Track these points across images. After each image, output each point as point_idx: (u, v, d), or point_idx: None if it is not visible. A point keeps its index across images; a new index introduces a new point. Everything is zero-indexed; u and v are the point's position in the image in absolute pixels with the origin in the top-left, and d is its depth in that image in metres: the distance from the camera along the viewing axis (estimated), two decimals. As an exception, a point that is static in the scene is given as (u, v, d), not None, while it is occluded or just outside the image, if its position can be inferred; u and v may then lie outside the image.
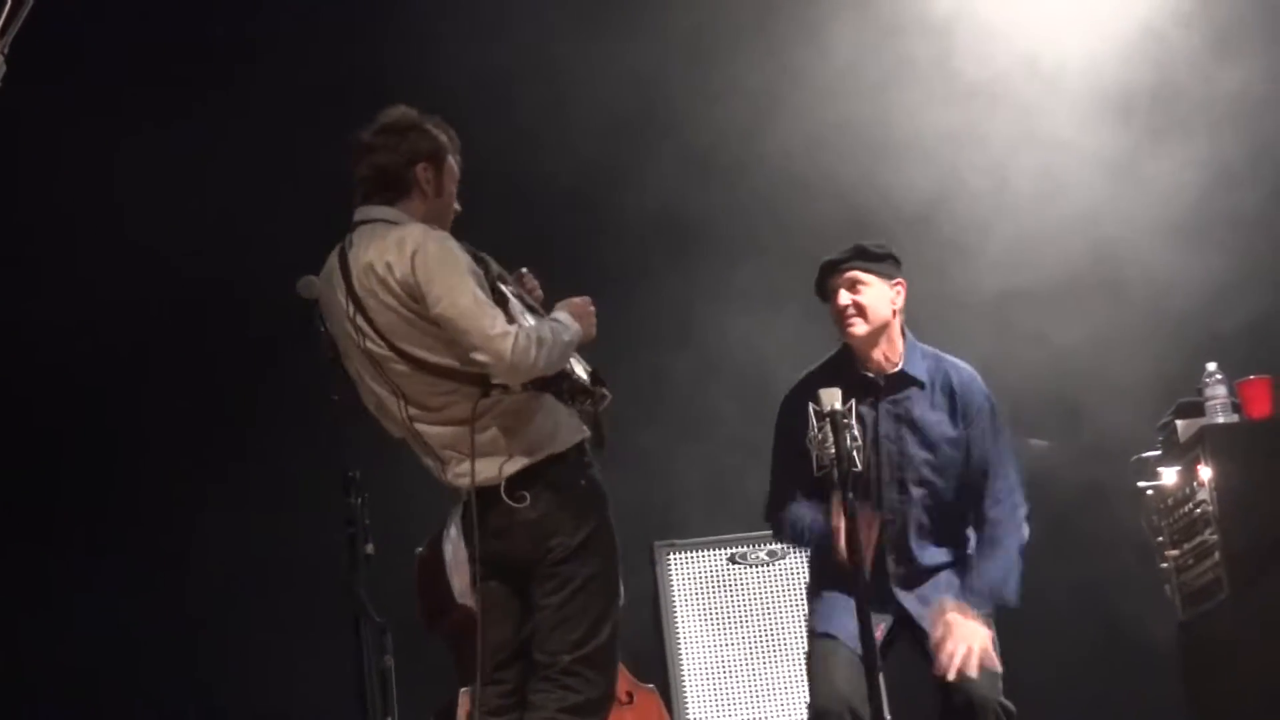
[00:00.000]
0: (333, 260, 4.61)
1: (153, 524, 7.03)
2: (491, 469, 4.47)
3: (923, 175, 7.48)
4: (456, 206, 4.76)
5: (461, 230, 4.66)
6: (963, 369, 5.27)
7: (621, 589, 6.14)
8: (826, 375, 5.20)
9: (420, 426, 4.56)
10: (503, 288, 4.58)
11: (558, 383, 4.51)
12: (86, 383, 7.09)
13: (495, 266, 4.64)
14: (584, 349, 4.68)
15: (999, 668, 4.97)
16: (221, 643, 6.86)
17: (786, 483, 5.22)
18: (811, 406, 4.61)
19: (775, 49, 7.55)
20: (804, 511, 5.12)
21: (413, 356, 4.47)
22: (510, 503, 4.43)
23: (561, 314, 4.59)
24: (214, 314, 7.08)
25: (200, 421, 7.12)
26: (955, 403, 5.19)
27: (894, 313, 5.19)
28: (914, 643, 5.14)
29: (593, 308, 4.69)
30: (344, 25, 7.33)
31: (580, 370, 4.65)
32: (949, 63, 7.54)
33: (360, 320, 4.51)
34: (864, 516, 4.77)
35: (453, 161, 4.73)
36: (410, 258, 4.40)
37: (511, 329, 4.32)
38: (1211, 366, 6.13)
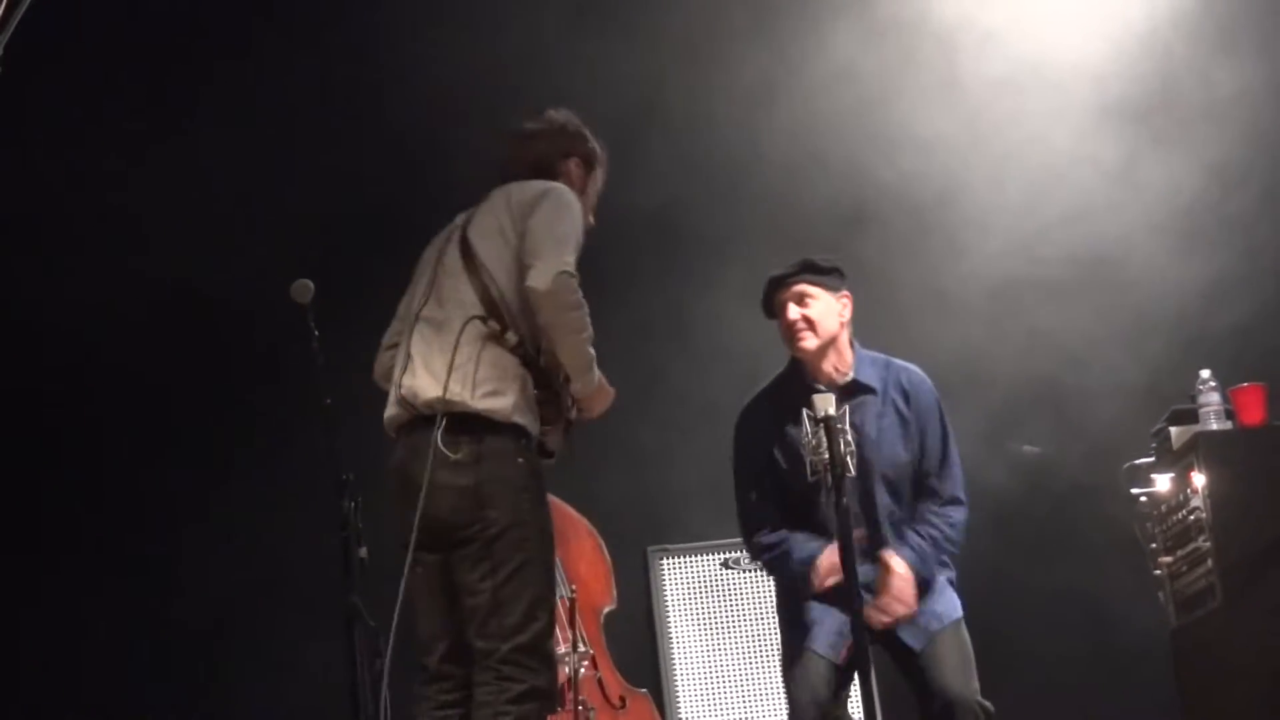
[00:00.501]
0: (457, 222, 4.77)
1: (145, 527, 7.01)
2: (448, 388, 4.42)
3: (918, 176, 7.48)
4: (592, 220, 4.86)
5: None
6: (912, 370, 5.33)
7: (614, 592, 6.20)
8: (778, 392, 5.28)
9: (420, 326, 4.59)
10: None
11: (541, 375, 4.52)
12: (81, 387, 7.07)
13: None
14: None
15: (971, 667, 5.02)
16: (215, 646, 6.84)
17: (756, 502, 5.27)
18: (806, 412, 4.62)
19: (774, 45, 7.55)
20: (802, 542, 5.16)
21: (472, 250, 4.58)
22: (442, 448, 4.39)
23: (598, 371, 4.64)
24: (209, 320, 7.06)
25: (193, 425, 7.10)
26: (909, 403, 5.25)
27: (841, 325, 5.24)
28: (885, 644, 5.15)
29: (610, 399, 4.74)
30: (341, 25, 7.32)
31: (568, 406, 4.64)
32: (949, 62, 7.55)
33: (457, 230, 4.68)
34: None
35: (600, 176, 4.90)
36: (543, 190, 4.60)
37: (576, 274, 4.42)
38: (1205, 373, 6.13)
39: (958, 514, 5.22)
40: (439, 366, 4.47)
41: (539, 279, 4.39)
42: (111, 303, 6.96)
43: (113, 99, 7.04)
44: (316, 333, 4.75)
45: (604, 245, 7.34)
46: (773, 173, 7.51)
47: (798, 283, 5.21)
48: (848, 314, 5.25)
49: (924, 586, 5.10)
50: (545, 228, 4.49)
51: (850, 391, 5.20)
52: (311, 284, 4.73)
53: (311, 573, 5.23)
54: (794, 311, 5.19)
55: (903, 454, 5.21)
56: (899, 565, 5.06)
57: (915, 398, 5.25)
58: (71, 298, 7.00)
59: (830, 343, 5.20)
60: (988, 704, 4.95)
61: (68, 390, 7.08)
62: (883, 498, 5.17)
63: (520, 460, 4.47)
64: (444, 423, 4.42)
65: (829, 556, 5.02)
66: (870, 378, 5.24)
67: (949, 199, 7.48)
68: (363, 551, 4.63)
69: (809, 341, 5.18)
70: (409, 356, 4.58)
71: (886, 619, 5.02)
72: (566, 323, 4.44)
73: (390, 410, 4.60)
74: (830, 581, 5.00)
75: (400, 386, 4.56)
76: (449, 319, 4.54)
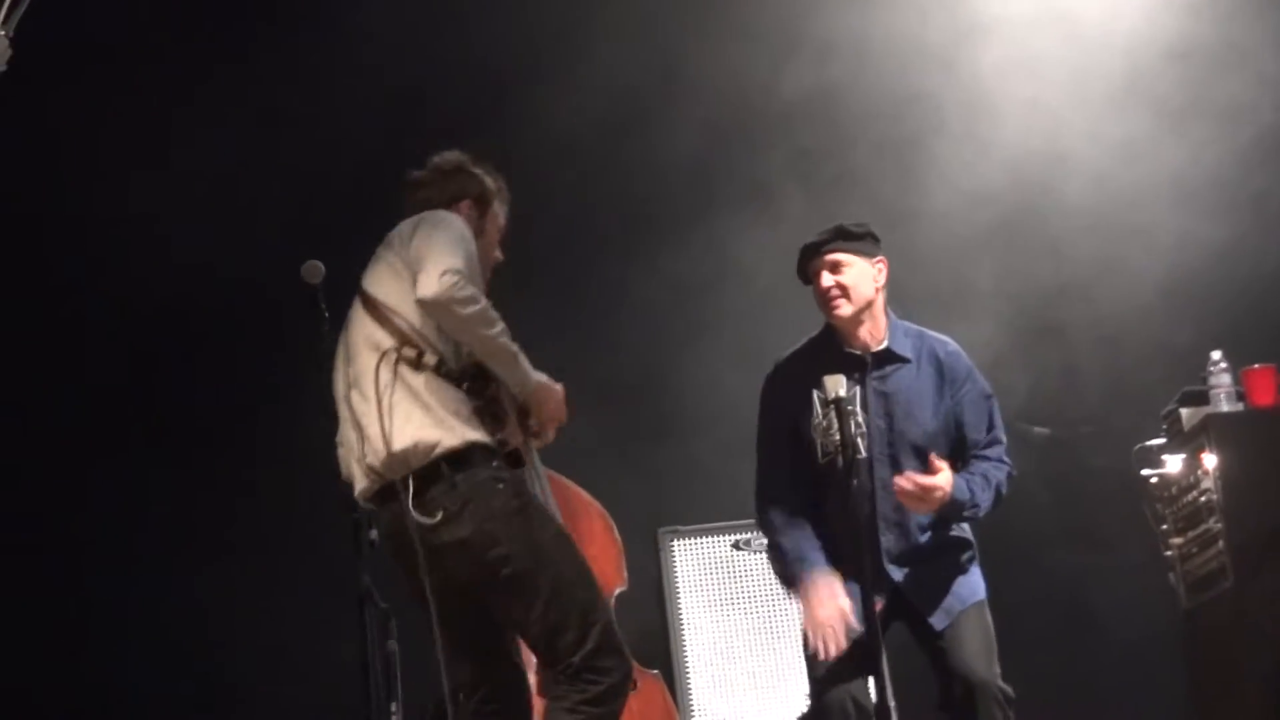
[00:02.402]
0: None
1: (157, 508, 7.02)
2: (390, 436, 4.39)
3: (928, 148, 7.49)
4: (499, 255, 4.84)
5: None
6: (947, 342, 5.32)
7: (625, 574, 6.20)
8: (811, 354, 5.25)
9: (350, 395, 4.54)
10: None
11: (474, 383, 4.48)
12: (100, 379, 7.08)
13: None
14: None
15: (992, 650, 5.01)
16: (226, 628, 6.85)
17: (773, 470, 5.25)
18: (815, 394, 4.62)
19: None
20: (803, 545, 5.12)
21: (367, 294, 4.55)
22: (419, 517, 4.37)
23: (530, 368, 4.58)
24: (219, 303, 7.07)
25: (205, 407, 7.11)
26: (942, 375, 5.23)
27: (876, 290, 5.22)
28: (907, 623, 5.16)
29: (562, 404, 4.66)
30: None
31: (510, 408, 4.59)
32: (974, 23, 7.56)
33: (359, 288, 4.62)
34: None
35: (499, 210, 4.84)
36: (422, 216, 4.58)
37: (463, 269, 4.35)
38: (1216, 355, 6.12)
39: (1005, 464, 5.22)
40: (375, 419, 4.43)
41: (425, 287, 4.34)
42: (126, 288, 6.98)
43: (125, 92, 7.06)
44: (327, 314, 4.76)
45: (603, 224, 7.47)
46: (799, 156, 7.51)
47: (831, 250, 5.18)
48: (883, 279, 5.22)
49: (956, 509, 5.08)
50: (425, 243, 4.46)
51: (883, 360, 5.20)
52: (322, 265, 4.73)
53: (322, 554, 5.24)
54: (828, 279, 5.17)
55: (933, 424, 5.19)
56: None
57: (950, 369, 5.23)
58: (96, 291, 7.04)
59: (865, 309, 5.18)
60: (1008, 688, 4.94)
61: (87, 381, 7.08)
62: (909, 465, 5.12)
63: (500, 485, 4.44)
64: (412, 487, 4.38)
65: (823, 608, 4.96)
66: (904, 347, 5.23)
67: (956, 175, 7.48)
68: (373, 534, 4.62)
69: (844, 309, 5.16)
70: (360, 429, 4.50)
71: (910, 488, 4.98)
72: (466, 319, 4.38)
73: (359, 485, 4.54)
74: (827, 634, 4.95)
75: (364, 459, 4.49)
76: (365, 367, 4.50)
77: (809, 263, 5.24)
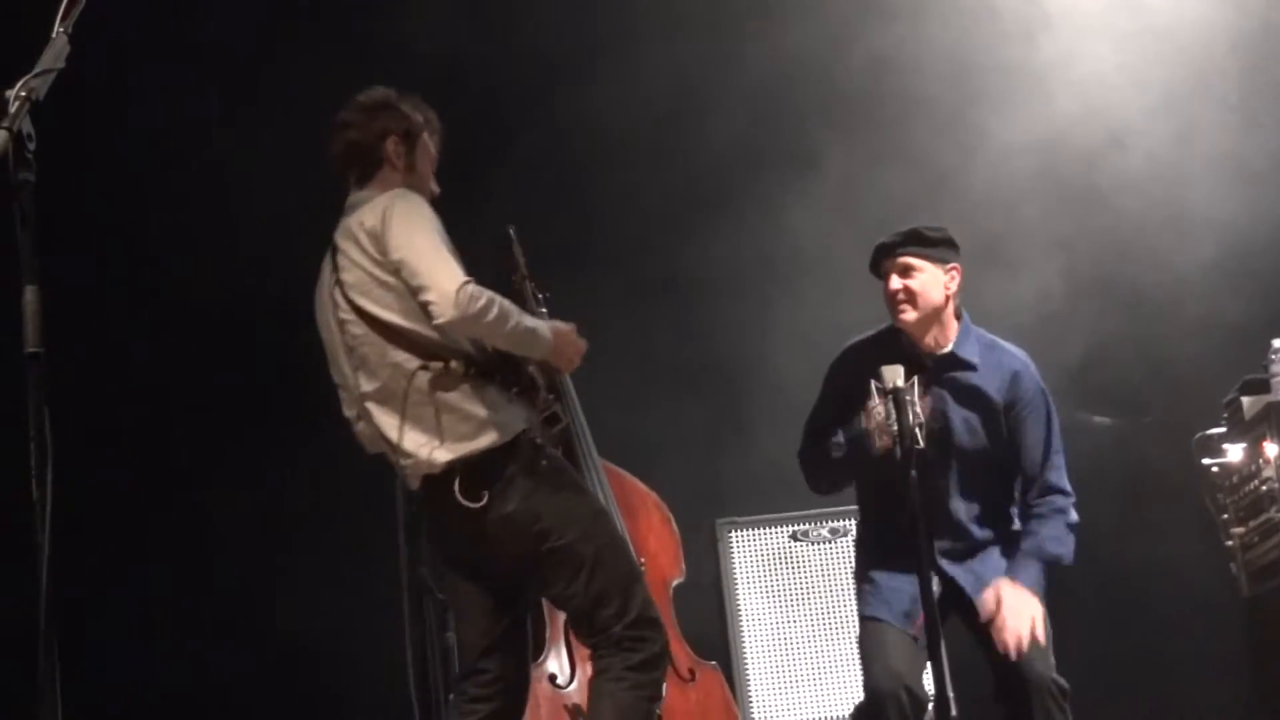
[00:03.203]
0: (326, 259, 4.68)
1: (215, 494, 7.05)
2: (432, 453, 4.44)
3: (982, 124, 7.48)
4: (435, 188, 4.78)
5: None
6: (1017, 355, 5.25)
7: (683, 566, 6.20)
8: (876, 346, 5.22)
9: (370, 405, 4.55)
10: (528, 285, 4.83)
11: (505, 372, 4.51)
12: (152, 361, 7.12)
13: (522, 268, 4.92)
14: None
15: (1047, 643, 4.97)
16: (284, 620, 6.88)
17: (821, 430, 5.25)
18: (874, 384, 4.61)
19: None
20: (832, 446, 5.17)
21: (367, 313, 4.49)
22: (466, 501, 4.41)
23: (543, 322, 4.60)
24: (267, 282, 7.09)
25: (261, 393, 7.13)
26: (1007, 388, 5.17)
27: (947, 298, 5.15)
28: (962, 616, 5.15)
29: (578, 342, 4.67)
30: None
31: (537, 376, 4.63)
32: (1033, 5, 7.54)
33: (336, 290, 4.57)
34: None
35: (428, 141, 4.78)
36: (382, 212, 4.47)
37: (466, 278, 4.32)
38: (1277, 343, 6.07)
39: (1063, 501, 5.13)
40: (417, 434, 4.46)
41: (442, 311, 4.29)
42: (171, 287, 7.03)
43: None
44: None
45: (654, 210, 7.48)
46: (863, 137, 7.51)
47: (904, 253, 5.13)
48: (954, 286, 5.15)
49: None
50: (412, 254, 4.37)
51: (946, 364, 5.17)
52: None
53: (381, 546, 5.25)
54: (896, 282, 5.12)
55: (988, 435, 5.15)
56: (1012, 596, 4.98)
57: (1016, 384, 5.17)
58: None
59: (933, 315, 5.13)
60: (1063, 681, 4.92)
61: (138, 366, 7.12)
62: (964, 469, 5.14)
63: (544, 464, 4.50)
64: (460, 480, 4.42)
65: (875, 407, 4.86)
66: (970, 353, 5.18)
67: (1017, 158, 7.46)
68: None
69: (909, 314, 5.12)
70: (386, 438, 4.53)
71: (1012, 642, 4.91)
72: (490, 327, 4.37)
73: (410, 482, 4.59)
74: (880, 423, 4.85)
75: (400, 461, 4.54)
76: (391, 385, 4.50)
77: (881, 262, 5.20)
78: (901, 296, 5.12)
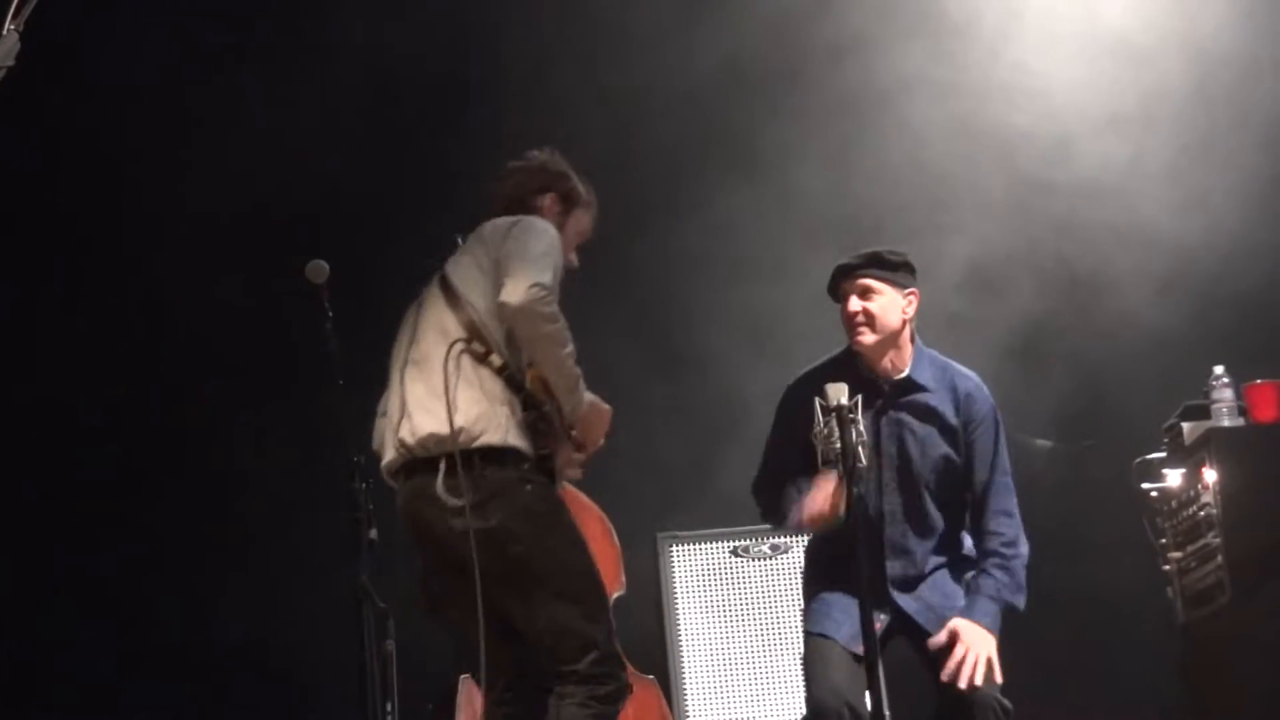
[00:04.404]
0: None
1: (159, 504, 7.02)
2: (433, 423, 4.47)
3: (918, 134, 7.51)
4: (574, 259, 4.89)
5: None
6: (970, 378, 5.26)
7: (623, 578, 6.20)
8: (830, 374, 5.19)
9: (408, 371, 4.61)
10: None
11: (531, 397, 4.54)
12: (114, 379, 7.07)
13: None
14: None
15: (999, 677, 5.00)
16: (223, 625, 6.85)
17: (777, 464, 5.24)
18: (817, 400, 4.61)
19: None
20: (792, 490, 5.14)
21: (449, 283, 4.63)
22: (446, 495, 4.43)
23: (588, 392, 4.66)
24: (220, 301, 7.06)
25: (207, 405, 7.10)
26: (959, 411, 5.18)
27: (904, 322, 5.16)
28: (910, 642, 5.15)
29: (608, 426, 4.77)
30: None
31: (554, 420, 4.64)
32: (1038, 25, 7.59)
33: (435, 284, 4.70)
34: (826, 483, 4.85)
35: (583, 215, 4.93)
36: (517, 219, 4.65)
37: (551, 289, 4.43)
38: (1219, 369, 6.12)
39: (1009, 532, 5.14)
40: (432, 400, 4.50)
41: (510, 293, 4.40)
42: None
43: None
44: (330, 314, 4.76)
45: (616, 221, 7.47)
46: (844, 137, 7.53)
47: (864, 275, 5.13)
48: (912, 311, 5.16)
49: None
50: (518, 250, 4.52)
51: (902, 389, 5.16)
52: (326, 265, 4.74)
53: (321, 554, 5.24)
54: (855, 304, 5.12)
55: (945, 459, 5.16)
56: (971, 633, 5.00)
57: (968, 407, 5.18)
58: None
59: (890, 339, 5.13)
60: (1007, 703, 4.94)
61: (105, 383, 7.08)
62: (917, 495, 5.14)
63: (529, 487, 4.51)
64: (444, 467, 4.45)
65: (821, 488, 4.93)
66: (925, 378, 5.18)
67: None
68: (372, 533, 4.63)
69: (866, 337, 5.11)
70: (403, 404, 4.59)
71: (965, 678, 4.92)
72: (544, 335, 4.46)
73: (387, 456, 4.62)
74: (816, 509, 4.94)
75: (398, 432, 4.57)
76: (431, 351, 4.58)
77: (840, 283, 5.19)
78: (860, 319, 5.11)
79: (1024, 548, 5.15)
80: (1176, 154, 7.34)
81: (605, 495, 6.32)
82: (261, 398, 7.03)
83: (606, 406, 4.74)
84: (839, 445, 4.55)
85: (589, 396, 4.64)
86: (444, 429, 4.45)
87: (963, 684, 4.89)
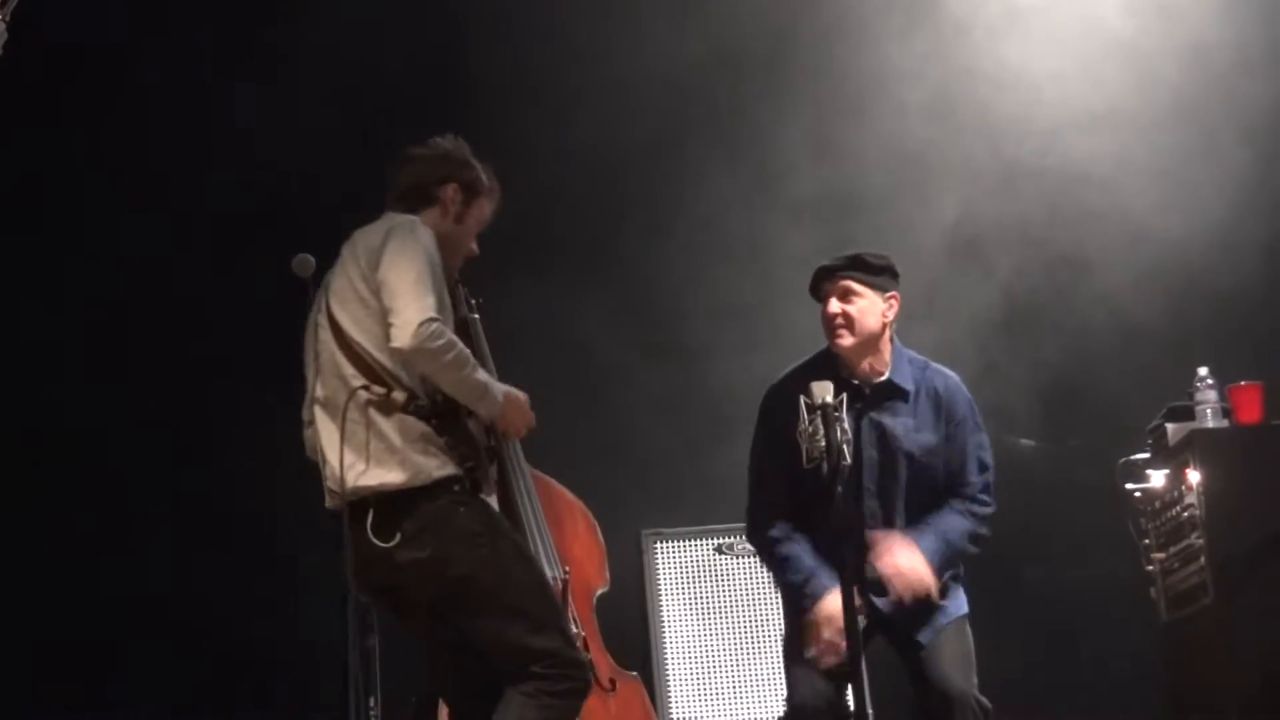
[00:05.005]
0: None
1: (138, 498, 7.00)
2: (352, 477, 4.47)
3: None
4: (473, 248, 4.87)
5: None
6: (948, 376, 5.27)
7: (607, 575, 6.19)
8: (809, 376, 5.19)
9: (317, 410, 4.61)
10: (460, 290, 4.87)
11: (442, 419, 4.52)
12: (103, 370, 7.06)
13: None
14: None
15: (970, 661, 5.02)
16: (206, 619, 6.83)
17: (768, 486, 5.22)
18: (802, 399, 4.60)
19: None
20: (800, 554, 5.10)
21: (337, 322, 4.56)
22: (376, 540, 4.43)
23: (498, 385, 4.62)
24: (206, 304, 7.06)
25: (186, 399, 7.09)
26: (940, 410, 5.19)
27: (884, 326, 5.16)
28: (890, 637, 5.15)
29: (528, 412, 4.71)
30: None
31: (478, 434, 4.64)
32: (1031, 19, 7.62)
33: (324, 293, 4.65)
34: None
35: (486, 205, 4.86)
36: (386, 231, 4.54)
37: (436, 315, 4.37)
38: (1203, 371, 6.14)
39: (980, 509, 5.18)
40: (338, 453, 4.48)
41: (400, 337, 4.36)
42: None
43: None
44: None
45: (603, 218, 7.47)
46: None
47: (845, 278, 5.13)
48: (892, 315, 5.16)
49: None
50: (395, 277, 4.44)
51: (884, 392, 5.16)
52: (313, 259, 4.74)
53: (305, 549, 5.23)
54: (835, 306, 5.12)
55: (925, 459, 5.16)
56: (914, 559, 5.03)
57: (949, 404, 5.19)
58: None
59: (869, 342, 5.13)
60: (986, 701, 4.94)
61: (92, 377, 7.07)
62: (898, 497, 5.14)
63: (462, 509, 4.51)
64: (373, 515, 4.45)
65: (827, 608, 4.94)
66: (905, 379, 5.18)
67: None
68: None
69: (845, 339, 5.11)
70: (322, 447, 4.58)
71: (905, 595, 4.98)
72: (443, 366, 4.43)
73: (328, 499, 4.61)
74: (825, 640, 4.94)
75: (325, 478, 4.57)
76: (334, 397, 4.56)
77: (821, 285, 5.19)
78: (840, 321, 5.12)
79: (985, 529, 5.18)
80: (1164, 149, 7.35)
81: (590, 492, 6.31)
82: (243, 390, 7.01)
83: (521, 394, 4.68)
84: (823, 444, 4.55)
85: (499, 389, 4.59)
86: (364, 481, 4.46)
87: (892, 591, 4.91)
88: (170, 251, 7.00)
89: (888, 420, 5.14)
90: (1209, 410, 6.08)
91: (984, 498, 5.19)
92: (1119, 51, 7.51)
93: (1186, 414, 6.15)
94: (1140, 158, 7.36)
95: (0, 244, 6.91)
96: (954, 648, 5.04)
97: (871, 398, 5.14)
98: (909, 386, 5.17)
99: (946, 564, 5.09)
